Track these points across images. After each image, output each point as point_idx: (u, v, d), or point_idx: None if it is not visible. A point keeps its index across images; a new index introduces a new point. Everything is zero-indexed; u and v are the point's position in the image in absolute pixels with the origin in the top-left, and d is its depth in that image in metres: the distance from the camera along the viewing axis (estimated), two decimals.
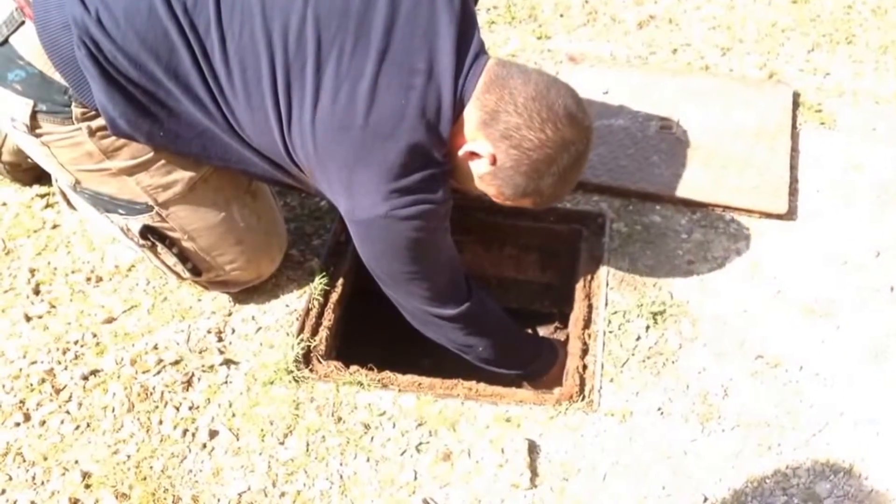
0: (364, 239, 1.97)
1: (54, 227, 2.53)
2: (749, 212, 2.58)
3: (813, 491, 1.99)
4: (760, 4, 3.26)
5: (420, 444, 2.06)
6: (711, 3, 3.27)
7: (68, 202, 2.41)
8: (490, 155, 1.88)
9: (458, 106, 1.85)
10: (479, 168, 1.93)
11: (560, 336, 2.86)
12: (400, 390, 2.16)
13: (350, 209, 1.89)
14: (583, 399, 2.15)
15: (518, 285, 2.82)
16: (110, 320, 2.28)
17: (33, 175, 2.60)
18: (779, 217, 2.57)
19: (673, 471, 2.01)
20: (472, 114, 1.86)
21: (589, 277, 2.44)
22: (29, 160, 2.39)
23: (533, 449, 2.05)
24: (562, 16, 3.19)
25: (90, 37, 1.79)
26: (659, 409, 2.13)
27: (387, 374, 2.19)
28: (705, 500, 1.97)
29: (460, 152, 1.90)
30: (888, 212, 2.59)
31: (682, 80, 2.92)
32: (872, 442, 2.07)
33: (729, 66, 3.04)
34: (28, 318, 2.28)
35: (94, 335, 2.25)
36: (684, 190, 2.61)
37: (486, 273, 2.76)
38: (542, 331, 2.96)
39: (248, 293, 2.35)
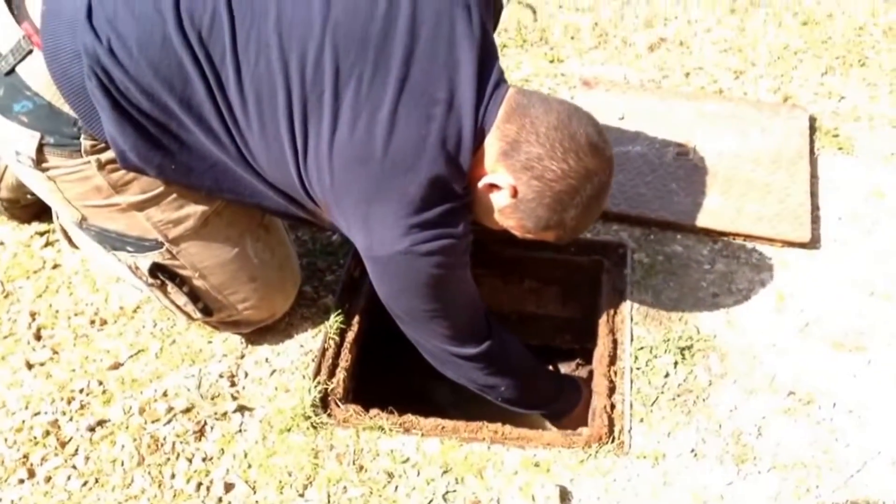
0: (382, 276, 1.88)
1: (55, 266, 2.43)
2: (771, 241, 2.51)
3: None
4: (771, 27, 3.20)
5: (447, 492, 1.96)
6: (721, 25, 3.20)
7: (69, 240, 2.31)
8: (511, 186, 1.80)
9: (479, 136, 1.78)
10: (499, 201, 1.85)
11: (582, 373, 2.78)
12: (423, 435, 2.06)
13: (368, 245, 1.81)
14: (612, 441, 2.07)
15: (538, 320, 2.73)
16: (116, 366, 2.17)
17: (32, 212, 2.50)
18: (802, 246, 2.50)
19: None
20: (492, 144, 1.79)
21: (612, 312, 2.36)
22: (28, 196, 2.30)
23: (565, 496, 1.96)
24: (572, 38, 3.12)
25: (101, 67, 1.69)
26: (692, 450, 2.05)
27: (409, 417, 2.10)
28: None
29: (480, 184, 1.83)
30: None
31: (696, 104, 2.85)
32: None
33: (743, 89, 2.97)
34: (30, 366, 2.17)
35: (100, 382, 2.14)
36: (705, 219, 2.54)
37: (505, 308, 2.67)
38: (564, 368, 2.88)
39: (260, 333, 2.25)
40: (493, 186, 1.82)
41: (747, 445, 2.05)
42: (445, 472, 2.00)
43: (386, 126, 1.70)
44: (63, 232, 2.30)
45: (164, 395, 2.12)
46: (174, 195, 1.94)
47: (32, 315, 2.28)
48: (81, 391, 2.12)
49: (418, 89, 1.72)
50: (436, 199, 1.75)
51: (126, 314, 2.29)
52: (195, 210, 1.97)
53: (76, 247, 2.32)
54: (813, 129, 2.83)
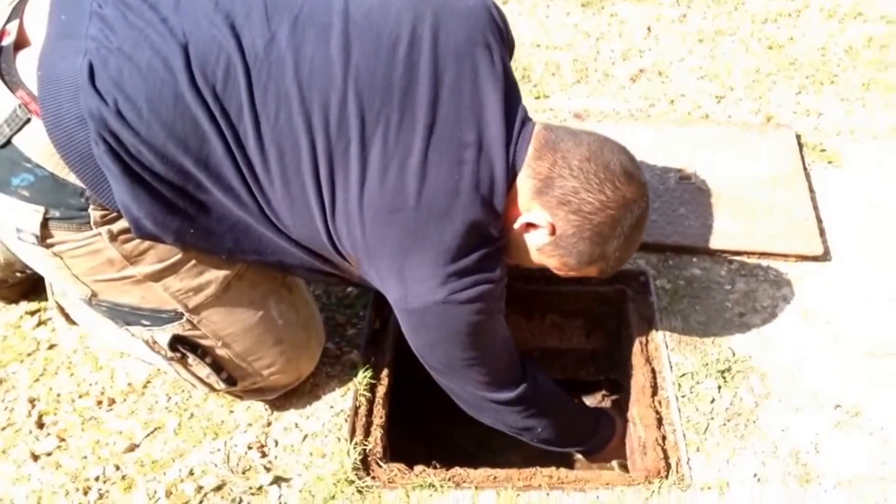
0: (418, 328, 1.77)
1: (51, 347, 2.22)
2: (785, 256, 2.48)
3: None
4: (739, 53, 3.21)
5: None
6: (693, 54, 3.20)
7: (66, 316, 2.14)
8: (549, 224, 1.72)
9: (511, 176, 1.70)
10: (537, 240, 1.77)
11: (607, 404, 2.69)
12: (476, 488, 1.93)
13: (402, 297, 1.70)
14: (670, 474, 1.97)
15: (561, 354, 2.64)
16: (132, 448, 1.99)
17: (20, 290, 2.30)
18: (815, 259, 2.47)
19: None
20: (524, 183, 1.71)
21: (644, 340, 2.28)
22: (17, 274, 2.12)
23: None
24: (553, 75, 3.07)
25: (110, 130, 1.55)
26: (755, 475, 1.96)
27: (457, 470, 1.97)
28: None
29: (516, 225, 1.75)
30: None
31: (689, 130, 2.82)
32: None
33: (726, 113, 2.95)
34: (35, 457, 1.97)
35: (117, 467, 1.95)
36: (718, 240, 2.49)
37: (528, 345, 2.58)
38: (588, 400, 2.79)
39: (285, 398, 2.09)
40: (529, 226, 1.75)
41: (808, 465, 1.98)
42: None
43: (417, 174, 1.61)
44: (59, 309, 2.13)
45: (191, 474, 1.94)
46: (193, 261, 1.80)
47: (32, 402, 2.08)
48: (97, 479, 1.92)
49: (447, 134, 1.64)
50: (472, 245, 1.67)
51: (136, 391, 2.11)
52: (216, 275, 1.83)
53: (74, 323, 2.15)
54: (800, 146, 2.81)
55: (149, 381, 2.13)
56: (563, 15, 3.39)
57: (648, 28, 3.35)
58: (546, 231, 1.73)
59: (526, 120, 1.73)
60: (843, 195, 2.68)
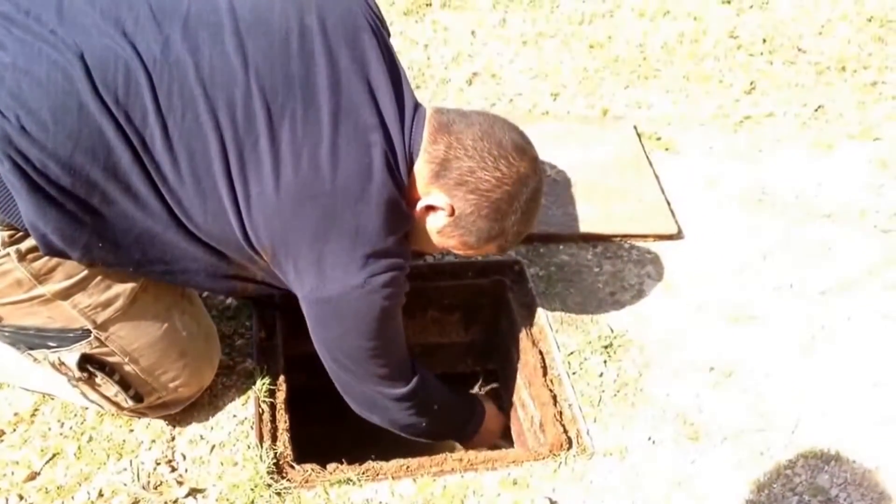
0: (330, 319, 1.78)
1: None
2: (644, 237, 2.63)
3: (817, 484, 2.02)
4: (563, 53, 3.39)
5: None
6: (521, 56, 3.35)
7: None
8: (448, 205, 1.77)
9: (410, 161, 1.75)
10: (437, 222, 1.82)
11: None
12: (392, 478, 1.94)
13: (319, 285, 1.70)
14: (571, 446, 2.05)
15: (442, 348, 2.69)
16: (33, 476, 1.89)
17: None
18: (670, 237, 2.64)
19: (690, 496, 1.96)
20: (422, 168, 1.76)
21: (528, 325, 2.35)
22: None
23: None
24: None
25: (15, 147, 1.49)
26: (649, 438, 2.08)
27: (370, 464, 1.97)
28: None
29: (417, 209, 1.79)
30: (756, 216, 2.76)
31: (534, 126, 2.91)
32: (845, 427, 2.15)
33: (564, 108, 3.10)
34: None
35: (21, 497, 1.85)
36: (582, 226, 2.62)
37: (410, 341, 2.53)
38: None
39: (186, 411, 2.04)
40: (429, 209, 1.80)
41: (695, 424, 2.11)
42: None
43: (329, 159, 1.63)
44: None
45: (101, 495, 1.86)
46: (100, 276, 1.74)
47: None
48: None
49: (352, 119, 1.67)
50: (389, 227, 1.71)
51: (24, 420, 2.00)
52: (123, 289, 1.78)
53: None
54: (638, 136, 2.98)
55: (36, 410, 2.03)
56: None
57: (472, 33, 3.48)
58: (445, 213, 1.78)
59: (417, 104, 1.78)
60: (683, 178, 2.87)
